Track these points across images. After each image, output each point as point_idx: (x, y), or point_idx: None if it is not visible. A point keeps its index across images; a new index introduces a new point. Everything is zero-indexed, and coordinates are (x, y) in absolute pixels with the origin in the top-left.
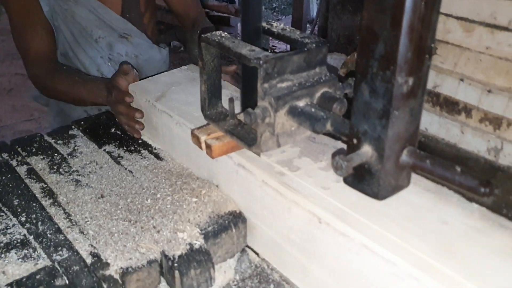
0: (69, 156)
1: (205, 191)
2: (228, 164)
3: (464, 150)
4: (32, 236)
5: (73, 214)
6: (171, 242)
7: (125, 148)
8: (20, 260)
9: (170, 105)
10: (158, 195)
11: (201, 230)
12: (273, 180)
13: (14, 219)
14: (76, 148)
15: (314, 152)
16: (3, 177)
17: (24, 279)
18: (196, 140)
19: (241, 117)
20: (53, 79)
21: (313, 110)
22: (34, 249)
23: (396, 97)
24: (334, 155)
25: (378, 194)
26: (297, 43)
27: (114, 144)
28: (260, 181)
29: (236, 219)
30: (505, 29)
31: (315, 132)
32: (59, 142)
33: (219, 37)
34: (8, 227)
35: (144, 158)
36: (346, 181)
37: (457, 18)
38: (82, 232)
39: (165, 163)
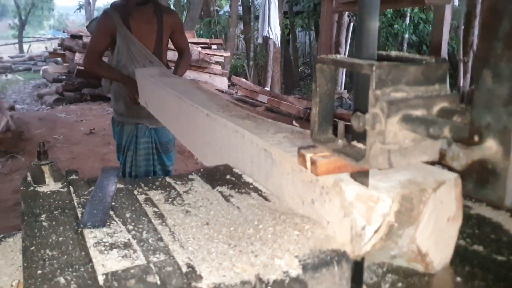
0: (184, 193)
1: (308, 227)
2: None
3: None
4: (135, 241)
5: (177, 233)
6: (267, 267)
7: (236, 190)
8: (120, 257)
9: None
10: (261, 226)
11: (299, 261)
12: None
13: (122, 226)
14: (192, 188)
15: None
16: (123, 198)
17: (120, 271)
18: (302, 159)
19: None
20: (100, 64)
21: (429, 118)
22: (135, 251)
23: None
24: (449, 145)
25: (505, 198)
26: (416, 61)
27: (227, 186)
28: None
29: (340, 257)
30: None
31: (430, 137)
32: (177, 182)
33: (334, 56)
34: (116, 232)
35: (253, 198)
36: (466, 189)
37: None
38: (182, 247)
39: (272, 204)
